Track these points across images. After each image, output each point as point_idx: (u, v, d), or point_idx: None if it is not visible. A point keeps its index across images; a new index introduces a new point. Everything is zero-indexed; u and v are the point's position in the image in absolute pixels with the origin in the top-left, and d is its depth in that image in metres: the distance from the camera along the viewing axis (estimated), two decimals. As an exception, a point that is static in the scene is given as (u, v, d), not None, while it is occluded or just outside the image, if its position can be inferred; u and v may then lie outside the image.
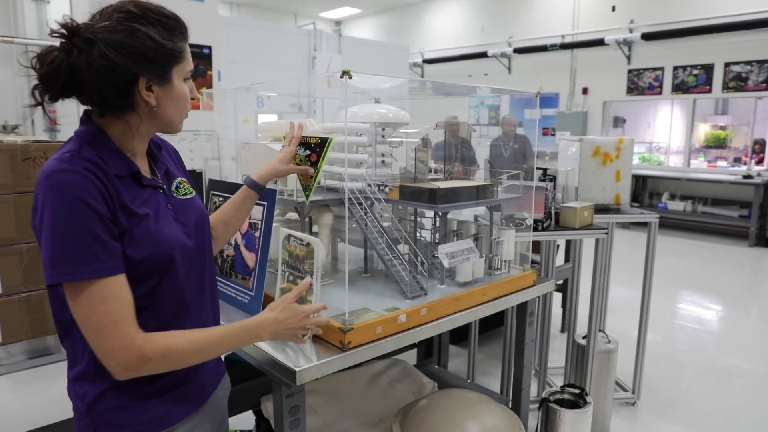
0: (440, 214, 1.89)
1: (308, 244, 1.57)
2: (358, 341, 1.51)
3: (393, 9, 13.69)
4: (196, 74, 4.66)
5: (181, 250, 1.15)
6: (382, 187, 2.00)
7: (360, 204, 1.88)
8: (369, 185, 1.99)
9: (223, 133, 4.23)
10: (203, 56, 4.67)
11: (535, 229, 2.44)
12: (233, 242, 1.89)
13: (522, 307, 2.23)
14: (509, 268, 2.11)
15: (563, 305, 4.53)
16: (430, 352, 2.91)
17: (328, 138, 1.51)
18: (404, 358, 2.75)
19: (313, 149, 1.55)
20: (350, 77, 1.42)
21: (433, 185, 1.76)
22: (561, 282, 4.33)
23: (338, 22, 15.07)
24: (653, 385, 3.55)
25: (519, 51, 10.90)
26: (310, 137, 1.57)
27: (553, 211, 2.63)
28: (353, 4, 13.43)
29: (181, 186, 1.27)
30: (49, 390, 3.38)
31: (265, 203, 1.77)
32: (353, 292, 1.88)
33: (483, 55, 11.47)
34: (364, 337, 1.53)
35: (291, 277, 1.66)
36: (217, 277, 1.96)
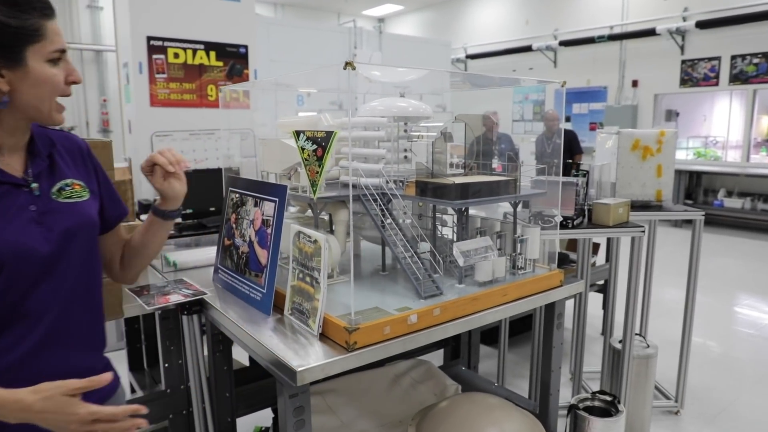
0: (458, 210, 1.82)
1: (316, 241, 1.54)
2: (365, 342, 1.46)
3: (436, 5, 13.56)
4: (233, 73, 4.73)
5: (19, 255, 1.03)
6: (400, 183, 1.95)
7: (375, 200, 1.84)
8: (387, 181, 1.94)
9: (260, 130, 4.26)
10: (239, 55, 4.73)
11: (565, 227, 2.32)
12: (248, 239, 1.89)
13: (549, 309, 2.13)
14: (534, 268, 2.02)
15: (604, 307, 4.34)
16: (457, 353, 2.83)
17: (333, 132, 1.47)
18: (431, 358, 2.69)
19: (320, 143, 1.52)
20: (353, 68, 1.37)
21: (448, 180, 1.69)
22: (602, 282, 4.15)
23: (381, 20, 15.06)
24: (700, 394, 3.34)
25: (565, 44, 10.56)
26: (318, 131, 1.53)
27: (585, 208, 2.50)
28: (396, 1, 13.38)
29: (67, 188, 1.16)
30: None
31: (276, 199, 1.75)
32: (368, 290, 1.83)
33: (527, 49, 11.19)
34: (371, 337, 1.48)
35: (301, 275, 1.63)
36: (232, 274, 1.96)
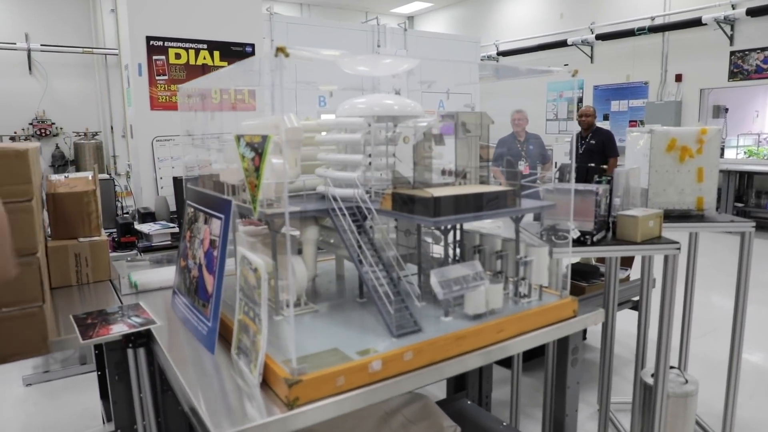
0: (442, 228, 1.50)
1: (256, 269, 1.25)
2: (310, 396, 1.17)
3: (466, 0, 13.14)
4: (239, 74, 4.51)
5: None
6: (379, 195, 1.65)
7: (345, 215, 1.54)
8: (367, 192, 1.64)
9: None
10: (245, 54, 4.50)
11: (582, 243, 1.96)
12: (197, 261, 1.62)
13: (562, 343, 1.78)
14: (541, 295, 1.68)
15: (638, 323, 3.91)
16: (463, 384, 2.50)
17: (267, 136, 1.18)
18: (434, 389, 2.37)
19: (257, 150, 1.23)
20: (286, 55, 1.08)
21: (425, 193, 1.38)
22: (638, 298, 3.73)
23: (410, 17, 14.74)
24: (752, 430, 2.90)
25: (602, 37, 10.00)
26: (255, 136, 1.24)
27: (609, 221, 2.13)
28: (425, -2, 13.05)
29: None
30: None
31: (222, 216, 1.47)
32: (334, 324, 1.53)
33: (562, 44, 10.66)
34: (319, 391, 1.18)
35: (246, 308, 1.35)
36: (185, 300, 1.69)
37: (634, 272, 3.93)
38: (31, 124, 9.27)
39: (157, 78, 4.25)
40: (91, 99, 9.55)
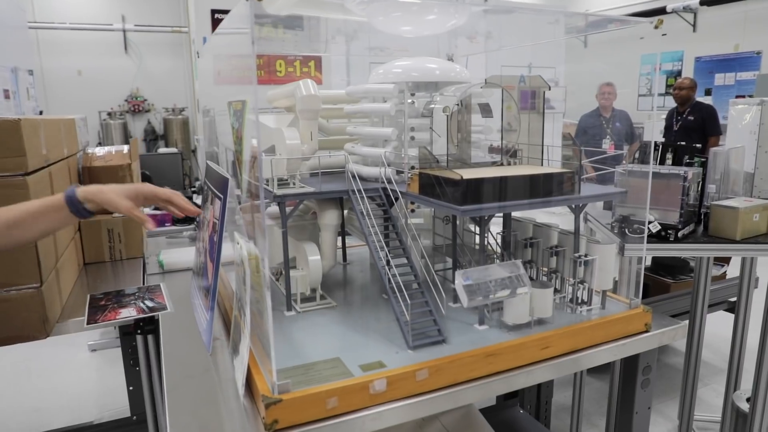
0: (478, 218, 1.23)
1: (242, 261, 1.05)
2: (291, 421, 0.96)
3: (553, -33, 12.24)
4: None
5: None
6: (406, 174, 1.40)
7: (363, 198, 1.31)
8: (399, 172, 1.40)
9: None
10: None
11: (664, 239, 1.60)
12: (204, 245, 1.45)
13: (631, 362, 1.46)
14: (605, 303, 1.37)
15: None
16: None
17: (245, 101, 0.96)
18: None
19: (239, 119, 1.02)
20: (260, -4, 0.85)
21: (455, 174, 1.11)
22: (735, 299, 3.23)
23: (492, -12, 13.98)
24: None
25: (707, 2, 8.91)
26: (237, 102, 1.03)
27: (701, 212, 1.74)
28: (508, -34, 12.29)
29: None
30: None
31: (221, 197, 1.28)
32: (346, 326, 1.32)
33: (661, 11, 9.63)
34: (304, 414, 0.97)
35: (238, 303, 1.17)
36: (195, 287, 1.55)
37: (733, 269, 3.41)
38: (126, 100, 9.75)
39: (221, 51, 4.17)
40: (179, 76, 9.86)
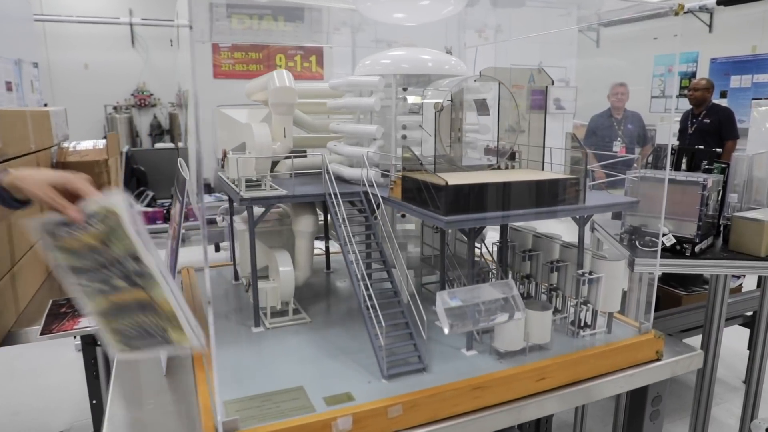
0: (467, 230, 1.07)
1: (106, 216, 0.81)
2: (239, 467, 0.82)
3: (567, -35, 12.03)
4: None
5: None
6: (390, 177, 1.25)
7: (339, 203, 1.16)
8: (384, 174, 1.26)
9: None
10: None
11: (680, 254, 1.45)
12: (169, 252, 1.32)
13: (639, 392, 1.31)
14: (611, 327, 1.21)
15: (751, 347, 3.22)
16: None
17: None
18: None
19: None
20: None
21: (439, 178, 0.96)
22: (751, 314, 3.05)
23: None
24: None
25: (724, 2, 8.67)
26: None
27: (720, 224, 1.58)
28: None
29: None
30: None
31: (181, 198, 1.15)
32: (321, 346, 1.17)
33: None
34: (253, 459, 0.83)
35: (106, 288, 0.90)
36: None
37: (749, 279, 3.24)
38: (132, 95, 9.68)
39: (221, 45, 4.08)
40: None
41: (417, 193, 1.05)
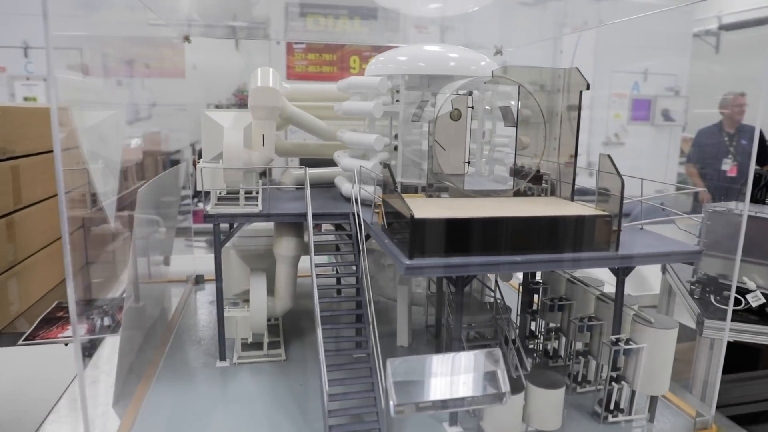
0: (454, 278, 0.84)
1: None
2: None
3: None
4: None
5: None
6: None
7: (310, 227, 0.97)
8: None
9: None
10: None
11: (762, 315, 1.09)
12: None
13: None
14: (654, 413, 0.91)
15: None
16: None
17: None
18: None
19: None
20: None
21: (405, 207, 0.74)
22: None
23: (614, -11, 12.87)
24: None
25: None
26: None
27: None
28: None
29: None
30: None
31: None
32: (272, 401, 0.98)
33: (817, 14, 8.21)
34: None
35: None
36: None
37: None
38: (233, 94, 10.20)
39: (295, 46, 4.07)
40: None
41: (392, 222, 0.84)
